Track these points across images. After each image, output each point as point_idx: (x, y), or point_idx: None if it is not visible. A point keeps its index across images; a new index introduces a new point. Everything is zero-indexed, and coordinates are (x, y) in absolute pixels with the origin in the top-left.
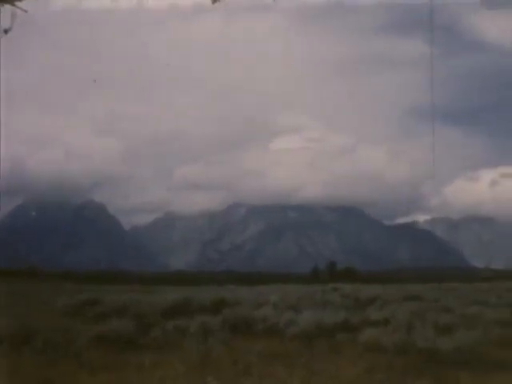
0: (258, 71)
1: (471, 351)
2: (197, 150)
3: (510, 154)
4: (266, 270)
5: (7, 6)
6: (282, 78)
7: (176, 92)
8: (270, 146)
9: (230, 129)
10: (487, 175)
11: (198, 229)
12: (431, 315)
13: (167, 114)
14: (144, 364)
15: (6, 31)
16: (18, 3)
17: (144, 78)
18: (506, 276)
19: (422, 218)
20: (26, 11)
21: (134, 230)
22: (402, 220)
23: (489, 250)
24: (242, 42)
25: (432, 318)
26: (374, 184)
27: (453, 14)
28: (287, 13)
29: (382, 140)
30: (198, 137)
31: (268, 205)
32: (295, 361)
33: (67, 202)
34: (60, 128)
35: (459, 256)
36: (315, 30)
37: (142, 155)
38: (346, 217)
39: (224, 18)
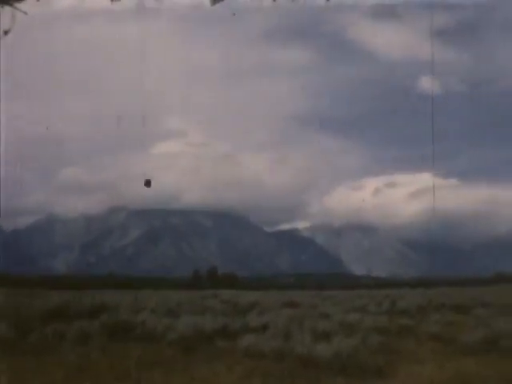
0: (141, 75)
1: (349, 358)
2: (78, 152)
3: (393, 164)
4: (145, 274)
5: (7, 8)
6: (166, 82)
7: (59, 93)
8: (152, 150)
9: (112, 132)
10: (370, 184)
11: (78, 232)
12: (309, 322)
13: (50, 115)
14: (21, 369)
15: (6, 32)
16: (17, 5)
17: (27, 76)
18: (386, 284)
19: (302, 224)
20: (25, 13)
21: (15, 232)
22: (282, 227)
23: (369, 257)
24: (127, 45)
25: (310, 325)
26: (255, 190)
27: (341, 23)
28: (172, 17)
29: (265, 147)
30: (79, 139)
31: (148, 209)
32: (173, 367)
33: None
34: None
35: (339, 263)
36: (201, 35)
37: (24, 156)
38: (226, 223)
39: (110, 21)
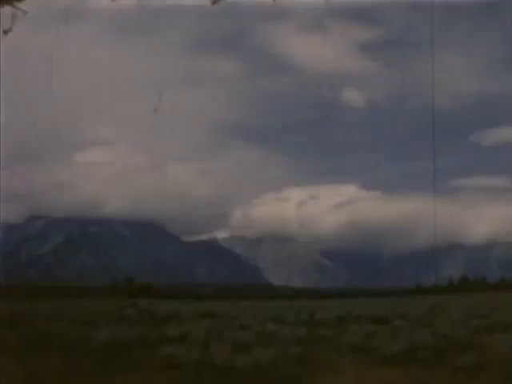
0: (66, 83)
1: (269, 369)
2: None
3: (318, 175)
4: (64, 283)
5: (7, 7)
6: (91, 91)
7: None
8: (75, 159)
9: (35, 139)
10: (294, 195)
11: None
12: (228, 332)
13: None
14: None
15: (6, 32)
16: (18, 4)
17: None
18: (305, 294)
19: (221, 235)
20: (26, 12)
21: None
22: (201, 237)
23: (288, 268)
24: (51, 53)
25: (229, 335)
26: (179, 201)
27: (266, 37)
28: (100, 25)
29: (190, 158)
30: (2, 146)
31: (67, 218)
32: (92, 378)
33: None
34: None
35: (258, 274)
36: (127, 44)
37: None
38: (145, 232)
39: (34, 27)
